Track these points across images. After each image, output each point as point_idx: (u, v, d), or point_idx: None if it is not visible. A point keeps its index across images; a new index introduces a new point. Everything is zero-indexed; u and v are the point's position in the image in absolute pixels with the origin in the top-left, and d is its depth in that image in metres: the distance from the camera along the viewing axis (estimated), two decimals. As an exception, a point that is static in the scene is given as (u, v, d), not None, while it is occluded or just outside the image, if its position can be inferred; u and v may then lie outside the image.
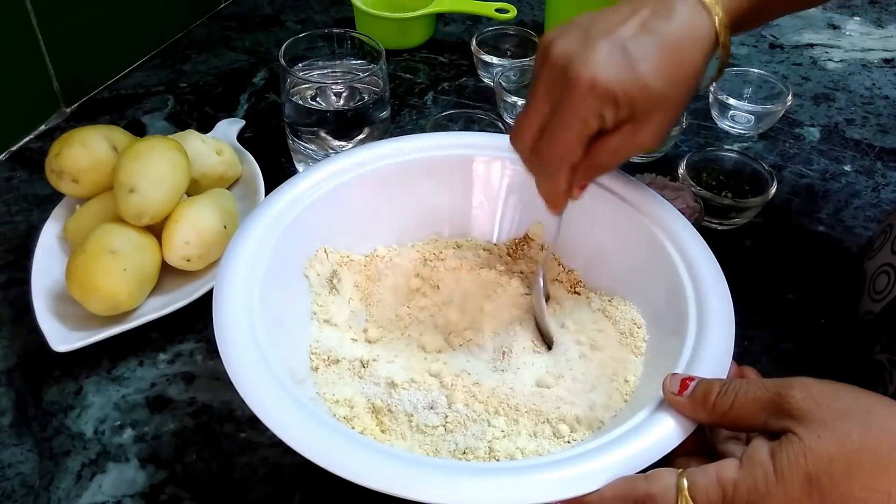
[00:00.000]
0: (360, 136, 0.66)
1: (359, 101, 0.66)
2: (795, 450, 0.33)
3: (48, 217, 0.60)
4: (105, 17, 0.78)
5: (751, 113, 0.75)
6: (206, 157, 0.62)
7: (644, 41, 0.42)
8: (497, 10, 0.87)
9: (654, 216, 0.50)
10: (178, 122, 0.76)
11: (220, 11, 0.96)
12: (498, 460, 0.41)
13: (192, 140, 0.62)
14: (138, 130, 0.75)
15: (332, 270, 0.52)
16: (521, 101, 0.72)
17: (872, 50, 0.92)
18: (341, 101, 0.66)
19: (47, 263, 0.57)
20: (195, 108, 0.79)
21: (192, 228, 0.55)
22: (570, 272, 0.55)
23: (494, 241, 0.58)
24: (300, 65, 0.68)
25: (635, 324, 0.49)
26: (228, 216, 0.58)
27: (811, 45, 0.92)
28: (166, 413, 0.51)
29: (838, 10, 0.99)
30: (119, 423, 0.50)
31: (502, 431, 0.43)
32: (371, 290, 0.54)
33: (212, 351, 0.55)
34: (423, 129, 0.75)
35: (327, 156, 0.65)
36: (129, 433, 0.50)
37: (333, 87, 0.66)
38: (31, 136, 0.74)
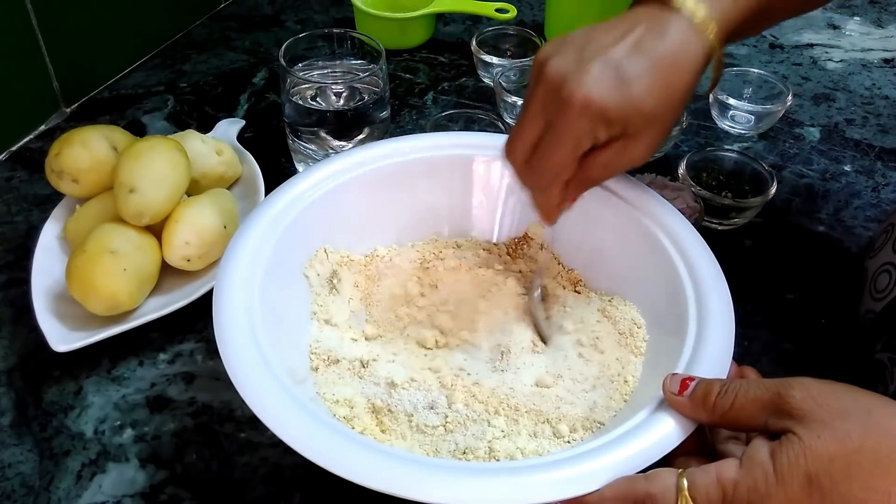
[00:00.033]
0: (360, 136, 0.66)
1: (359, 101, 0.66)
2: (795, 450, 0.33)
3: (48, 217, 0.60)
4: (105, 17, 0.78)
5: (751, 113, 0.75)
6: (206, 157, 0.62)
7: (637, 61, 0.42)
8: (497, 10, 0.87)
9: (654, 216, 0.50)
10: (178, 122, 0.76)
11: (220, 11, 0.96)
12: (498, 460, 0.41)
13: (192, 140, 0.62)
14: (138, 130, 0.75)
15: (332, 270, 0.52)
16: (521, 101, 0.72)
17: (872, 50, 0.92)
18: (341, 101, 0.66)
19: (47, 263, 0.57)
20: (195, 108, 0.79)
21: (192, 228, 0.55)
22: (570, 272, 0.55)
23: (494, 240, 0.58)
24: (300, 65, 0.68)
25: (635, 324, 0.49)
26: (228, 216, 0.58)
27: (811, 45, 0.92)
28: (166, 413, 0.51)
29: (838, 10, 0.99)
30: (119, 423, 0.50)
31: (502, 431, 0.43)
32: (371, 290, 0.54)
33: (212, 351, 0.55)
34: (423, 129, 0.75)
35: (327, 156, 0.65)
36: (129, 433, 0.50)
37: (333, 87, 0.66)
38: (31, 136, 0.74)
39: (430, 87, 0.83)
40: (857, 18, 0.98)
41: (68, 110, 0.78)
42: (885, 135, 0.78)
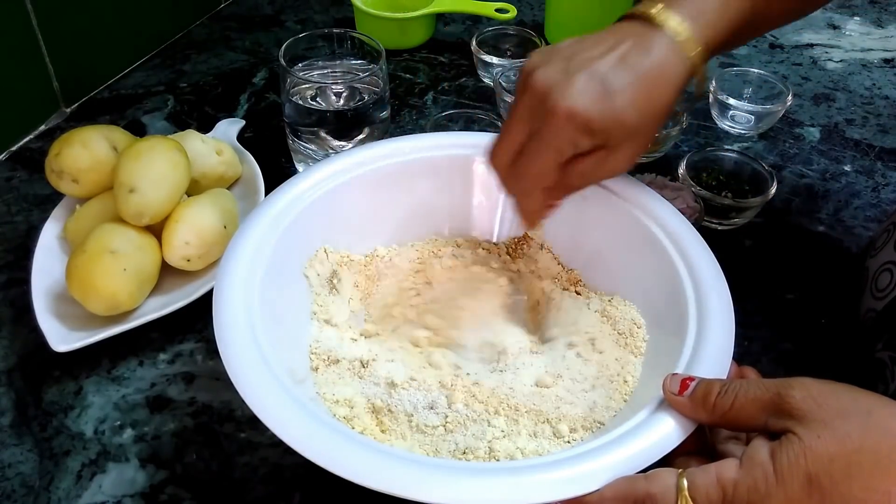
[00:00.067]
0: (360, 136, 0.66)
1: (359, 101, 0.66)
2: (795, 450, 0.33)
3: (48, 217, 0.60)
4: (105, 17, 0.78)
5: (751, 113, 0.75)
6: (206, 157, 0.62)
7: (622, 75, 0.44)
8: (497, 10, 0.87)
9: (655, 216, 0.50)
10: (178, 122, 0.76)
11: (220, 11, 0.96)
12: (498, 460, 0.41)
13: (192, 140, 0.62)
14: (138, 130, 0.75)
15: (332, 270, 0.52)
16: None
17: (872, 50, 0.92)
18: (341, 101, 0.66)
19: (47, 263, 0.57)
20: (195, 108, 0.79)
21: (192, 228, 0.55)
22: (570, 272, 0.55)
23: (494, 240, 0.58)
24: (300, 65, 0.68)
25: (635, 324, 0.49)
26: (228, 216, 0.58)
27: (811, 45, 0.92)
28: (166, 413, 0.51)
29: (838, 10, 0.99)
30: (119, 423, 0.50)
31: (502, 431, 0.43)
32: (371, 290, 0.54)
33: (212, 351, 0.55)
34: (423, 129, 0.75)
35: (327, 156, 0.65)
36: (129, 433, 0.50)
37: (333, 87, 0.66)
38: (31, 136, 0.74)
39: (430, 87, 0.83)
40: (857, 18, 0.98)
41: (68, 110, 0.78)
42: (885, 135, 0.78)
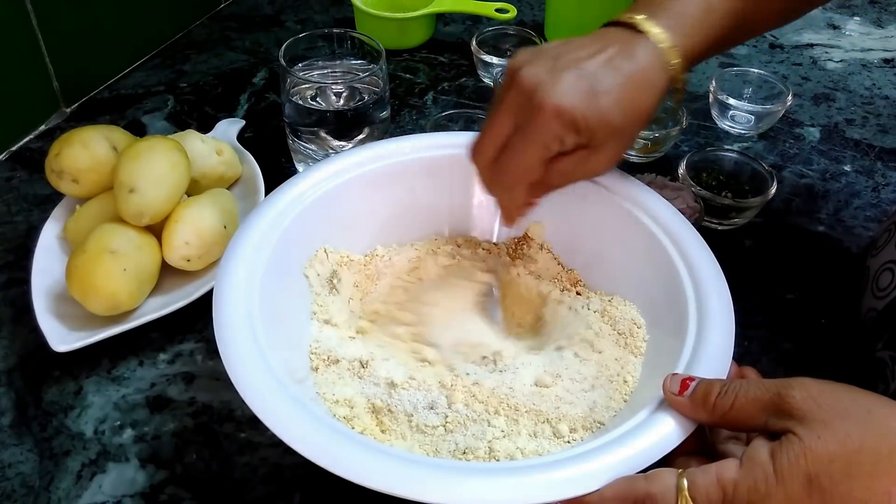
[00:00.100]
0: (360, 136, 0.66)
1: (359, 101, 0.66)
2: (795, 450, 0.33)
3: (48, 217, 0.60)
4: (105, 17, 0.78)
5: (751, 113, 0.75)
6: (206, 157, 0.62)
7: (608, 76, 0.44)
8: (497, 10, 0.87)
9: (654, 216, 0.50)
10: (178, 122, 0.76)
11: (220, 11, 0.96)
12: (498, 460, 0.41)
13: (192, 140, 0.62)
14: (138, 130, 0.75)
15: (332, 270, 0.52)
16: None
17: (872, 50, 0.92)
18: (341, 101, 0.66)
19: (47, 263, 0.57)
20: (195, 108, 0.79)
21: (192, 228, 0.55)
22: (570, 272, 0.55)
23: (495, 240, 0.58)
24: (300, 65, 0.68)
25: (635, 324, 0.49)
26: (228, 216, 0.58)
27: (811, 45, 0.92)
28: (166, 413, 0.51)
29: (838, 10, 0.99)
30: (119, 423, 0.50)
31: (502, 431, 0.43)
32: (370, 289, 0.54)
33: (212, 351, 0.55)
34: (423, 129, 0.75)
35: (327, 156, 0.65)
36: (129, 433, 0.50)
37: (333, 87, 0.66)
38: (31, 136, 0.74)
39: (430, 87, 0.83)
40: (857, 18, 0.98)
41: (68, 110, 0.78)
42: (885, 135, 0.78)
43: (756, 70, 0.79)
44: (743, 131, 0.76)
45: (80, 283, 0.52)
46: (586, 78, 0.44)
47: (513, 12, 0.87)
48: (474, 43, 0.81)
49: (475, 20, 0.94)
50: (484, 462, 0.41)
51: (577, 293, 0.54)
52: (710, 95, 0.77)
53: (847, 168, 0.73)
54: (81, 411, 0.51)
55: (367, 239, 0.55)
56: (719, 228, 0.65)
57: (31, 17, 0.70)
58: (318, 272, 0.52)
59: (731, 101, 0.75)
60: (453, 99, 0.81)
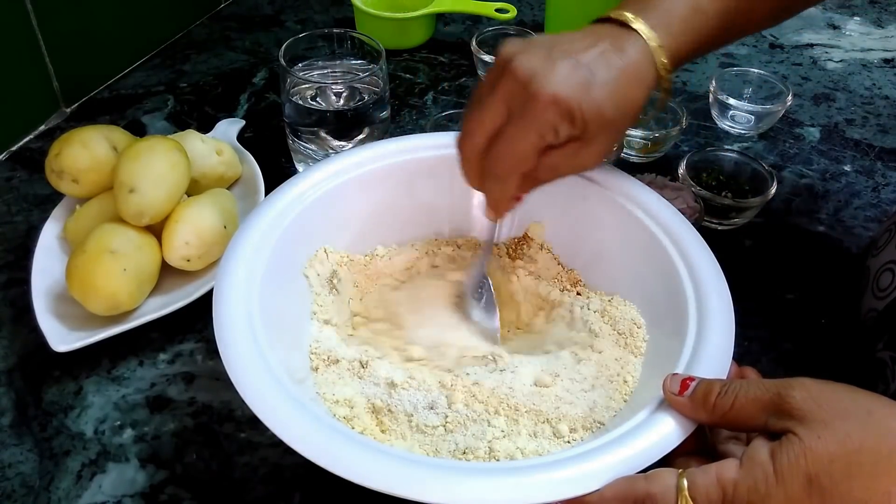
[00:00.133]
0: (360, 136, 0.66)
1: (359, 101, 0.66)
2: (795, 450, 0.33)
3: (48, 217, 0.60)
4: (105, 17, 0.78)
5: (751, 113, 0.75)
6: (206, 157, 0.62)
7: (602, 69, 0.44)
8: (497, 10, 0.87)
9: (654, 216, 0.50)
10: (178, 122, 0.76)
11: (220, 11, 0.96)
12: (498, 460, 0.41)
13: (192, 140, 0.62)
14: (138, 130, 0.75)
15: (332, 270, 0.52)
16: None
17: (872, 50, 0.92)
18: (341, 101, 0.66)
19: (47, 263, 0.57)
20: (195, 108, 0.79)
21: (192, 228, 0.55)
22: (570, 272, 0.55)
23: (494, 240, 0.58)
24: (300, 65, 0.68)
25: (635, 324, 0.49)
26: (228, 216, 0.58)
27: (811, 45, 0.92)
28: (166, 413, 0.51)
29: (838, 10, 0.99)
30: (119, 423, 0.50)
31: (502, 431, 0.43)
32: (370, 289, 0.54)
33: (212, 351, 0.55)
34: (423, 129, 0.75)
35: (327, 156, 0.65)
36: (129, 433, 0.50)
37: (333, 87, 0.66)
38: (31, 136, 0.74)
39: (430, 87, 0.83)
40: (857, 18, 0.98)
41: (68, 110, 0.78)
42: (885, 135, 0.78)
43: (756, 70, 0.79)
44: (743, 131, 0.76)
45: (80, 283, 0.52)
46: (582, 69, 0.44)
47: (513, 12, 0.87)
48: (474, 43, 0.81)
49: (475, 20, 0.94)
50: (484, 462, 0.41)
51: (577, 293, 0.54)
52: (710, 95, 0.77)
53: (847, 168, 0.73)
54: (81, 411, 0.51)
55: (367, 239, 0.55)
56: (719, 228, 0.65)
57: (31, 17, 0.70)
58: (318, 272, 0.52)
59: (731, 101, 0.75)
60: (453, 99, 0.81)
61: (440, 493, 0.35)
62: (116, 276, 0.52)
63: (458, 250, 0.57)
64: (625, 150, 0.72)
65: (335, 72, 0.69)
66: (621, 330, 0.49)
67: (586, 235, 0.54)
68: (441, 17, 0.93)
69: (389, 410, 0.44)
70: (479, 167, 0.47)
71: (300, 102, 0.64)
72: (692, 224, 0.50)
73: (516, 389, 0.46)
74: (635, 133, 0.70)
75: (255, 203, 0.62)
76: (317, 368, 0.47)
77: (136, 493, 0.47)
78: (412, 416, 0.44)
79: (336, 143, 0.65)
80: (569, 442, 0.43)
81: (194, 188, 0.61)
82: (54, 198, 0.63)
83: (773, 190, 0.64)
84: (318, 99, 0.65)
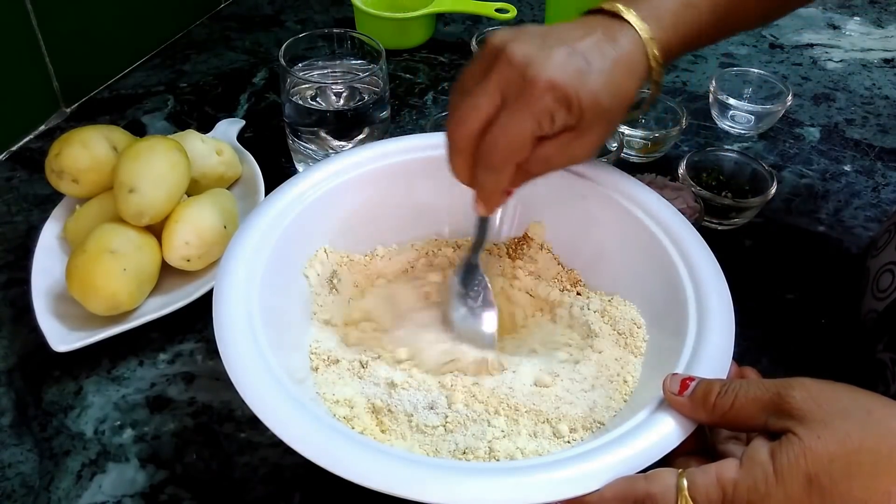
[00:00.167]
0: (360, 136, 0.66)
1: (359, 101, 0.66)
2: (795, 450, 0.33)
3: (48, 217, 0.60)
4: (105, 17, 0.78)
5: (751, 113, 0.75)
6: (206, 157, 0.62)
7: (597, 57, 0.44)
8: (497, 10, 0.87)
9: (655, 216, 0.50)
10: (178, 122, 0.76)
11: (220, 11, 0.96)
12: (498, 460, 0.41)
13: (192, 140, 0.62)
14: (138, 130, 0.75)
15: (332, 270, 0.52)
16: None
17: (872, 50, 0.92)
18: (341, 101, 0.66)
19: (47, 263, 0.57)
20: (195, 108, 0.79)
21: (192, 228, 0.55)
22: (570, 272, 0.55)
23: (494, 240, 0.58)
24: (300, 65, 0.68)
25: (635, 324, 0.49)
26: (228, 216, 0.58)
27: (811, 45, 0.92)
28: (166, 413, 0.51)
29: (838, 10, 0.99)
30: (119, 423, 0.50)
31: (502, 431, 0.43)
32: (369, 289, 0.54)
33: (212, 351, 0.55)
34: (423, 129, 0.75)
35: (327, 156, 0.65)
36: (129, 433, 0.50)
37: (333, 87, 0.66)
38: (31, 136, 0.74)
39: (430, 87, 0.83)
40: (857, 18, 0.98)
41: (68, 110, 0.78)
42: (885, 135, 0.78)
43: (756, 70, 0.79)
44: (743, 131, 0.76)
45: (80, 283, 0.52)
46: (578, 56, 0.43)
47: (513, 12, 0.87)
48: (474, 43, 0.81)
49: (475, 20, 0.94)
50: (484, 462, 0.41)
51: (577, 293, 0.54)
52: (710, 95, 0.77)
53: (847, 168, 0.73)
54: (81, 411, 0.51)
55: (367, 239, 0.55)
56: (719, 228, 0.65)
57: (31, 17, 0.70)
58: (318, 272, 0.52)
59: (731, 101, 0.75)
60: (453, 99, 0.81)
61: (440, 493, 0.35)
62: (116, 276, 0.52)
63: (458, 251, 0.57)
64: (625, 150, 0.72)
65: (335, 72, 0.69)
66: (621, 330, 0.49)
67: (586, 235, 0.54)
68: (441, 17, 0.93)
69: (389, 410, 0.44)
70: (470, 158, 0.45)
71: (300, 102, 0.64)
72: (692, 224, 0.50)
73: (516, 389, 0.46)
74: (635, 133, 0.70)
75: (255, 203, 0.62)
76: (317, 368, 0.47)
77: (136, 493, 0.47)
78: (412, 416, 0.44)
79: (336, 143, 0.65)
80: (569, 442, 0.43)
81: (194, 188, 0.61)
82: (54, 198, 0.63)
83: (773, 190, 0.64)
84: (318, 99, 0.65)
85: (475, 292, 0.51)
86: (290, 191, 0.51)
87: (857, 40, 0.93)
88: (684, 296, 0.45)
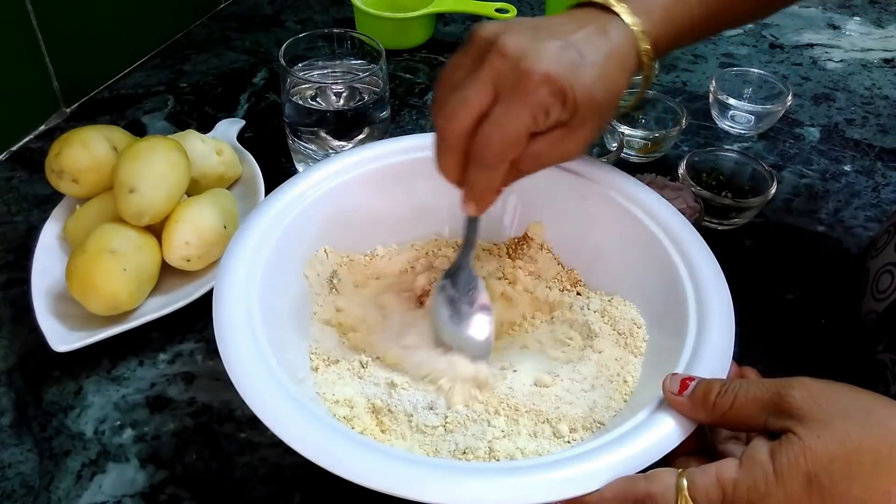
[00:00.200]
0: (360, 136, 0.66)
1: (359, 101, 0.66)
2: (795, 450, 0.33)
3: (48, 217, 0.60)
4: (105, 17, 0.78)
5: (751, 113, 0.75)
6: (206, 157, 0.62)
7: (590, 50, 0.43)
8: (497, 10, 0.87)
9: (655, 216, 0.50)
10: (178, 122, 0.76)
11: (220, 11, 0.96)
12: (498, 460, 0.41)
13: (192, 140, 0.62)
14: (138, 130, 0.75)
15: (332, 270, 0.52)
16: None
17: (872, 50, 0.92)
18: (341, 101, 0.66)
19: (47, 263, 0.57)
20: (195, 108, 0.79)
21: (192, 228, 0.55)
22: (570, 272, 0.55)
23: (494, 240, 0.58)
24: (300, 65, 0.68)
25: (635, 324, 0.49)
26: (228, 216, 0.58)
27: (811, 45, 0.92)
28: (166, 413, 0.51)
29: (838, 10, 0.99)
30: (119, 423, 0.50)
31: (502, 431, 0.43)
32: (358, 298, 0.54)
33: (212, 351, 0.55)
34: (423, 129, 0.75)
35: (327, 156, 0.65)
36: (129, 433, 0.50)
37: (333, 87, 0.66)
38: (31, 136, 0.74)
39: (430, 87, 0.83)
40: (857, 18, 0.98)
41: (68, 110, 0.78)
42: (885, 135, 0.78)
43: (756, 70, 0.79)
44: (743, 131, 0.76)
45: (80, 283, 0.52)
46: (571, 49, 0.42)
47: (513, 12, 0.87)
48: (474, 43, 0.81)
49: (475, 20, 0.94)
50: (484, 462, 0.41)
51: (577, 293, 0.54)
52: (710, 95, 0.77)
53: (847, 168, 0.73)
54: (81, 411, 0.51)
55: (367, 239, 0.55)
56: (719, 228, 0.65)
57: (31, 17, 0.70)
58: (318, 272, 0.52)
59: (731, 101, 0.75)
60: (453, 99, 0.81)
61: (440, 493, 0.35)
62: (116, 276, 0.52)
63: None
64: (625, 150, 0.72)
65: (335, 72, 0.69)
66: (621, 330, 0.49)
67: (586, 235, 0.54)
68: (441, 17, 0.93)
69: (389, 410, 0.44)
70: (461, 155, 0.43)
71: (300, 102, 0.64)
72: (692, 224, 0.50)
73: (516, 389, 0.46)
74: (635, 133, 0.70)
75: (255, 203, 0.62)
76: (317, 368, 0.47)
77: (136, 493, 0.47)
78: (412, 416, 0.44)
79: (336, 143, 0.65)
80: (569, 442, 0.43)
81: (194, 188, 0.61)
82: (54, 198, 0.63)
83: (773, 190, 0.64)
84: (318, 99, 0.65)
85: (468, 296, 0.50)
86: (290, 191, 0.51)
87: (857, 40, 0.93)
88: (684, 296, 0.45)
